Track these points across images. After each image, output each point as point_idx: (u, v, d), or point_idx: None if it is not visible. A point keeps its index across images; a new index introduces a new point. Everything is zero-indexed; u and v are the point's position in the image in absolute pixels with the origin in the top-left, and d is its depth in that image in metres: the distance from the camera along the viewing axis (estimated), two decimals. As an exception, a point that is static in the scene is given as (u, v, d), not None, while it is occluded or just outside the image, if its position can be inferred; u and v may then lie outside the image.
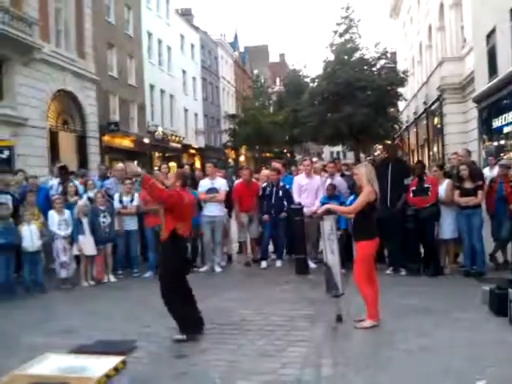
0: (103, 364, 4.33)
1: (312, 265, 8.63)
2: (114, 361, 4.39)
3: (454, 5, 22.55)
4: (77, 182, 9.83)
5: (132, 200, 8.86)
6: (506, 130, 15.48)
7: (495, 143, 16.85)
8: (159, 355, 4.80)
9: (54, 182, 9.84)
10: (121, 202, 8.85)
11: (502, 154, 14.62)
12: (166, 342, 5.18)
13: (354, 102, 25.85)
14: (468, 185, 7.68)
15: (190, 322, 5.29)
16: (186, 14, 40.67)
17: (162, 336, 5.41)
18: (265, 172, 10.34)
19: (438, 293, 6.80)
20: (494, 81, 15.45)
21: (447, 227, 7.86)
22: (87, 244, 8.17)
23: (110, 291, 7.79)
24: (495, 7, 15.25)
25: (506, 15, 14.61)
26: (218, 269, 8.95)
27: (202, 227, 9.12)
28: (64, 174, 9.92)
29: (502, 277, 6.75)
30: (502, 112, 15.46)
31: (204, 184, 9.17)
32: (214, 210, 8.98)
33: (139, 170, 5.69)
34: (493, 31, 16.08)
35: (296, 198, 8.86)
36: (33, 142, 17.61)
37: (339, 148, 41.44)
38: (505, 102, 15.14)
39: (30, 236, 7.80)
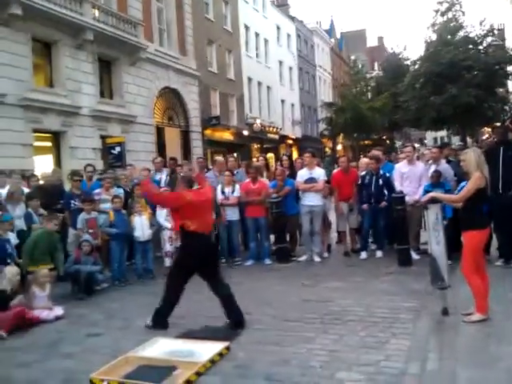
0: (209, 349, 4.54)
1: (415, 256, 8.34)
2: (218, 346, 4.59)
3: None
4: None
5: (233, 191, 9.10)
6: None
7: None
8: (262, 343, 4.91)
9: (163, 175, 10.34)
10: (223, 193, 9.12)
11: None
12: (269, 330, 5.28)
13: (459, 82, 24.53)
14: None
15: (164, 316, 5.56)
16: (281, 5, 40.73)
17: (265, 323, 5.53)
18: (364, 160, 10.15)
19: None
20: None
21: None
22: None
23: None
24: None
25: None
26: (316, 258, 8.96)
27: (300, 217, 9.17)
28: (173, 165, 10.43)
29: None
30: None
31: (302, 174, 9.19)
32: (312, 200, 8.97)
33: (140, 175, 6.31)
34: None
35: (397, 186, 8.60)
36: (141, 138, 18.71)
37: (443, 133, 39.49)
38: None
39: (141, 226, 8.31)
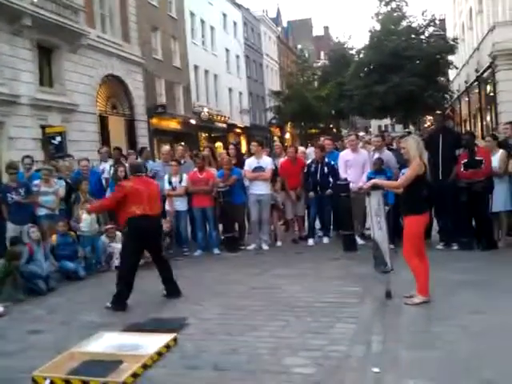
0: (155, 342, 4.48)
1: (360, 241, 8.55)
2: (165, 338, 4.54)
3: (507, -36, 21.35)
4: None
5: (181, 181, 8.99)
6: None
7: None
8: (210, 332, 4.90)
9: (106, 165, 10.10)
10: (170, 183, 9.00)
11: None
12: (218, 320, 5.28)
13: (402, 71, 25.16)
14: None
15: (123, 298, 5.89)
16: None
17: (213, 313, 5.52)
18: (301, 149, 10.29)
19: (492, 267, 6.61)
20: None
21: (500, 199, 7.58)
22: None
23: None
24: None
25: None
26: (265, 247, 9.01)
27: (248, 205, 9.19)
28: (118, 155, 10.18)
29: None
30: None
31: (250, 163, 9.19)
32: (260, 189, 9.00)
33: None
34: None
35: (342, 174, 8.75)
36: (83, 128, 18.14)
37: (387, 121, 40.51)
38: None
39: (89, 222, 8.29)
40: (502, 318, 4.71)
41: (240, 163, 9.52)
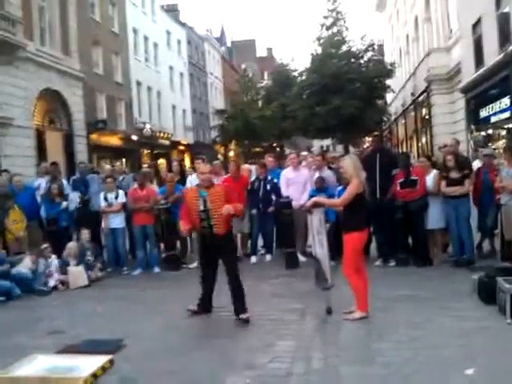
0: (90, 363, 4.30)
1: (302, 258, 8.61)
2: (101, 360, 4.36)
3: (439, -5, 22.60)
4: (65, 182, 9.75)
5: (117, 197, 8.78)
6: (493, 119, 15.57)
7: (483, 133, 16.94)
8: (148, 354, 4.75)
9: (42, 180, 9.74)
10: (105, 199, 8.78)
11: (489, 144, 14.69)
12: (157, 340, 5.14)
13: (343, 94, 25.89)
14: (454, 174, 7.69)
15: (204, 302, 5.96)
16: (171, 10, 40.36)
17: (152, 333, 5.36)
18: (245, 167, 10.28)
19: (428, 283, 6.81)
20: (481, 71, 15.52)
21: (434, 217, 7.88)
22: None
23: (99, 290, 7.72)
24: (480, -3, 15.28)
25: (492, 5, 14.65)
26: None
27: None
28: (54, 171, 9.84)
29: (490, 265, 6.76)
30: (489, 102, 15.55)
31: (193, 180, 9.10)
32: (202, 207, 8.90)
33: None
34: (479, 21, 16.13)
35: (284, 192, 8.83)
36: (18, 142, 17.42)
37: (329, 141, 41.49)
38: (492, 91, 15.22)
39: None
40: (437, 333, 4.85)
41: (183, 180, 9.42)
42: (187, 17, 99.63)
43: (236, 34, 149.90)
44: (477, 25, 16.43)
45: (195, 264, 8.95)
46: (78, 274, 7.94)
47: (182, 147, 37.51)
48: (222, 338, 5.06)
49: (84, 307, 6.49)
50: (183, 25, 41.09)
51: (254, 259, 9.05)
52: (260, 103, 40.53)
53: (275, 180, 9.16)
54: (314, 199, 5.95)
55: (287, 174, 9.04)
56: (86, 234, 8.49)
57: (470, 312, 5.39)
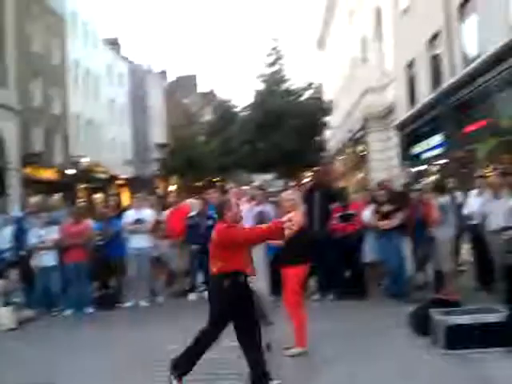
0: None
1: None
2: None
3: (375, 37, 23.73)
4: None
5: (50, 233, 8.38)
6: (424, 155, 16.25)
7: (415, 169, 17.63)
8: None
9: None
10: (39, 236, 8.37)
11: (421, 179, 15.27)
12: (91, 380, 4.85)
13: (284, 130, 26.40)
14: (386, 208, 7.90)
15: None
16: (113, 44, 40.23)
17: (82, 376, 5.08)
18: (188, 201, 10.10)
19: (364, 315, 6.87)
20: (414, 109, 16.26)
21: (369, 250, 8.02)
22: None
23: (26, 332, 7.26)
24: (414, 39, 16.16)
25: (424, 47, 15.52)
26: (143, 303, 8.60)
27: (127, 260, 8.80)
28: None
29: (423, 297, 6.93)
30: (421, 139, 16.25)
31: (129, 214, 8.87)
32: (139, 242, 8.67)
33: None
34: (412, 62, 17.01)
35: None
36: None
37: (270, 176, 41.94)
38: (423, 129, 15.93)
39: None
40: (374, 367, 4.84)
41: (120, 215, 9.16)
42: (130, 50, 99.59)
43: (178, 69, 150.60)
44: (410, 66, 17.33)
45: (130, 302, 8.66)
46: (4, 315, 7.45)
47: (120, 181, 36.77)
48: (158, 379, 4.83)
49: (11, 350, 6.06)
50: (125, 58, 41.00)
51: (192, 296, 8.82)
52: (203, 138, 40.67)
53: (214, 215, 9.04)
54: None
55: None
56: (14, 273, 8.04)
57: (404, 344, 5.45)
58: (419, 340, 5.51)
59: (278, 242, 5.78)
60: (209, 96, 61.75)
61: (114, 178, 34.99)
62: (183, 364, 4.66)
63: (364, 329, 6.16)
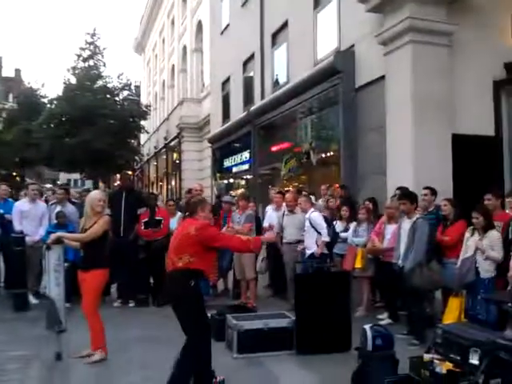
0: None
1: (33, 300, 7.82)
2: None
3: (195, 50, 24.28)
4: None
5: None
6: (234, 169, 17.07)
7: (226, 181, 18.41)
8: None
9: None
10: None
11: (231, 192, 16.00)
12: None
13: (95, 128, 25.24)
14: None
15: None
16: None
17: None
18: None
19: (165, 323, 6.84)
20: (227, 124, 16.97)
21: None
22: None
23: None
24: (231, 58, 16.90)
25: (240, 67, 16.33)
26: None
27: None
28: None
29: (222, 303, 7.24)
30: (232, 154, 17.04)
31: None
32: None
33: None
34: (228, 80, 17.76)
35: (16, 226, 7.96)
36: None
37: (77, 175, 39.73)
38: (234, 145, 16.72)
39: None
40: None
41: None
42: None
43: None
44: (226, 83, 18.06)
45: None
46: None
47: None
48: None
49: None
50: None
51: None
52: (1, 126, 36.72)
53: (1, 211, 8.21)
54: (58, 234, 5.51)
55: (21, 206, 8.22)
56: None
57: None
58: (215, 344, 5.69)
59: (75, 245, 5.50)
60: (14, 81, 56.35)
61: None
62: None
63: (163, 335, 6.14)
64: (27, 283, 7.73)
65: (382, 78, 8.52)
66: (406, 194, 6.47)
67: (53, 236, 5.47)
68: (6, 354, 5.40)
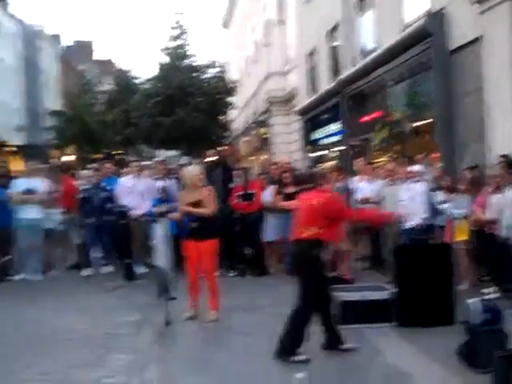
0: None
1: (141, 269, 8.36)
2: None
3: (279, 23, 24.04)
4: None
5: None
6: (324, 141, 16.91)
7: (316, 153, 18.31)
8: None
9: None
10: None
11: (320, 164, 15.89)
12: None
13: (187, 106, 26.00)
14: (290, 190, 8.14)
15: None
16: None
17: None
18: (84, 173, 9.67)
19: (263, 292, 7.10)
20: (315, 96, 16.80)
21: (271, 230, 8.25)
22: None
23: None
24: (315, 29, 16.62)
25: (324, 37, 16.03)
26: (33, 277, 8.19)
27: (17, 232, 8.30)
28: None
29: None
30: (320, 126, 16.88)
31: (19, 184, 8.36)
32: (30, 213, 8.21)
33: None
34: (313, 51, 17.51)
35: (121, 201, 8.51)
36: None
37: (174, 152, 41.25)
38: (324, 116, 16.53)
39: None
40: (269, 339, 5.02)
41: (7, 184, 8.59)
42: (18, 9, 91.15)
43: (72, 34, 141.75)
44: (312, 54, 17.82)
45: (21, 275, 8.23)
46: None
47: (11, 148, 34.20)
48: (51, 355, 4.70)
49: None
50: (14, 17, 37.76)
51: (87, 271, 8.48)
52: (102, 107, 38.82)
53: (108, 187, 8.77)
54: (186, 208, 5.82)
55: (126, 182, 8.75)
56: None
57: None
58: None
59: (177, 217, 5.86)
60: (106, 64, 59.08)
61: (3, 144, 32.47)
62: (289, 345, 4.50)
63: (263, 303, 6.38)
64: (132, 254, 8.28)
65: (477, 40, 8.01)
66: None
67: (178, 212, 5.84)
68: (120, 320, 5.86)
